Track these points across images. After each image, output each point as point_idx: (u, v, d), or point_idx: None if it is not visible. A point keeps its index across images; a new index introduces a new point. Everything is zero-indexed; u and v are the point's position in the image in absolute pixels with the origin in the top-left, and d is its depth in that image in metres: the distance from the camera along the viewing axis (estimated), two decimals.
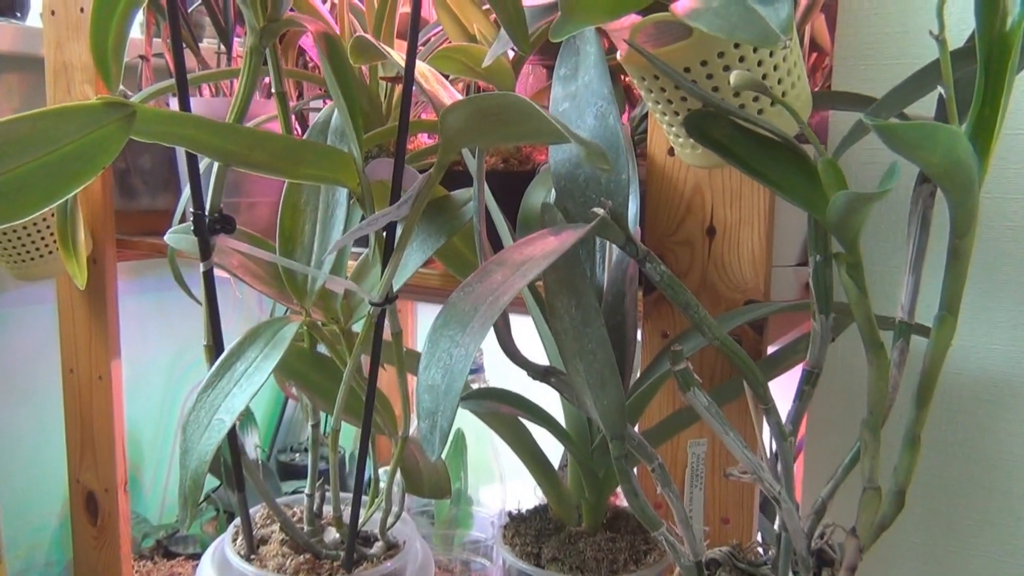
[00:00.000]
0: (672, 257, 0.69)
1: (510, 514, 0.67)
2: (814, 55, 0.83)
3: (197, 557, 1.25)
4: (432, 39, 0.79)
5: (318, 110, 0.92)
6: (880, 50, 0.68)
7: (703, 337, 0.68)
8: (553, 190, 0.71)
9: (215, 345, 0.51)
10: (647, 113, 0.73)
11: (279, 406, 1.51)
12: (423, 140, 0.84)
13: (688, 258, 0.69)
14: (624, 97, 0.81)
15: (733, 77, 0.40)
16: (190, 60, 0.95)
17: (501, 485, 0.80)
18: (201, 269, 0.49)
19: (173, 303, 1.45)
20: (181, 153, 1.03)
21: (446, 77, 0.56)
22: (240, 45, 0.98)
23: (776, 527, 0.53)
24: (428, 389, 0.40)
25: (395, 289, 0.51)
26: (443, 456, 0.39)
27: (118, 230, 1.07)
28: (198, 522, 1.28)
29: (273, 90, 0.52)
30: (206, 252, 0.49)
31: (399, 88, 0.78)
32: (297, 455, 1.41)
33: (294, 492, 1.22)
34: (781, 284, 0.70)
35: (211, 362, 0.53)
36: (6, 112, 1.17)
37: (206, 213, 0.47)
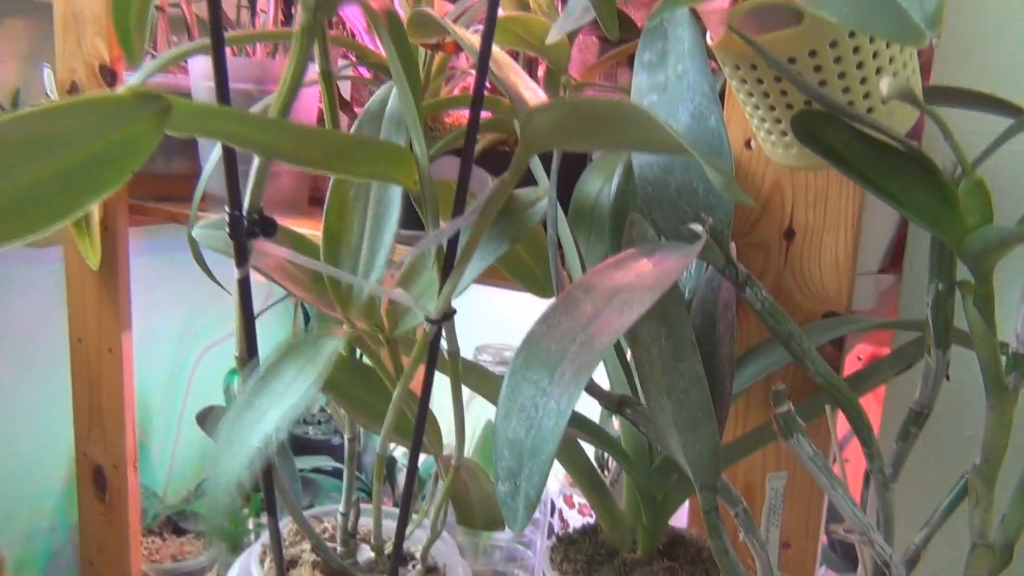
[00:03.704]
0: (744, 260, 0.63)
1: (558, 536, 0.62)
2: None
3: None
4: (471, 6, 0.72)
5: (348, 78, 0.85)
6: (991, 40, 0.60)
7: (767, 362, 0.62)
8: (614, 179, 0.65)
9: (250, 358, 0.45)
10: None
11: None
12: (461, 113, 0.76)
13: (762, 262, 0.62)
14: None
15: (885, 84, 0.33)
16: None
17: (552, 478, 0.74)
18: (236, 276, 0.43)
19: (186, 264, 1.38)
20: None
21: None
22: None
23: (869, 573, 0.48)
24: (509, 444, 0.34)
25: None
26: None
27: (130, 194, 1.00)
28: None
29: (319, 70, 0.45)
30: (242, 258, 0.43)
31: (440, 56, 0.71)
32: (311, 428, 1.35)
33: (314, 471, 1.17)
34: (858, 292, 0.64)
35: (244, 375, 0.47)
36: (8, 59, 1.10)
37: (244, 214, 0.41)
